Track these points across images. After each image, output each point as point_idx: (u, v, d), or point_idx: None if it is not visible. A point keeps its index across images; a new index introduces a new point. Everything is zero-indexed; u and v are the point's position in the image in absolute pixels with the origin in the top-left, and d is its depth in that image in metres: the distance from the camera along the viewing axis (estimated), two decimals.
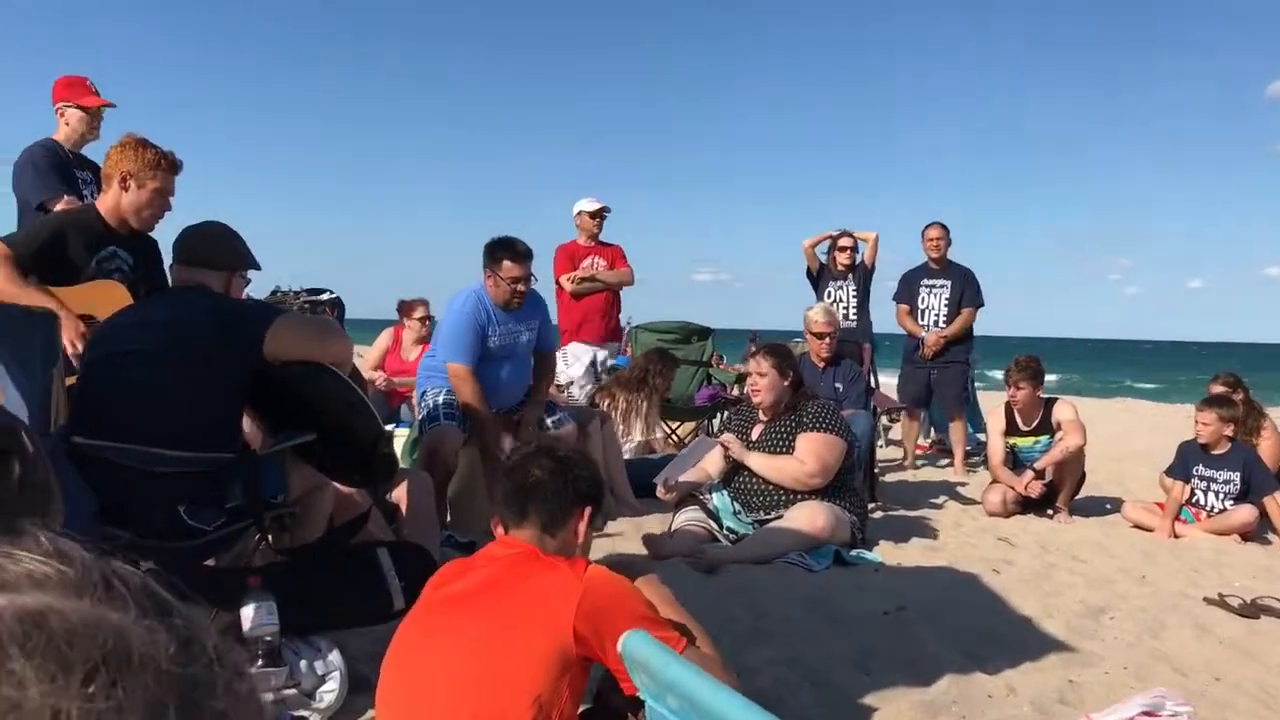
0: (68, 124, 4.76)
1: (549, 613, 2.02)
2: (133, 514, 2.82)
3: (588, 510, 2.33)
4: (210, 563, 3.06)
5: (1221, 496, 5.87)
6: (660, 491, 5.04)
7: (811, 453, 4.94)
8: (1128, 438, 11.23)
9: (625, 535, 5.11)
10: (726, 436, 5.29)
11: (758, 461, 5.02)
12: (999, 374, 11.86)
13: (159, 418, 2.93)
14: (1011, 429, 6.43)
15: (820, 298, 7.88)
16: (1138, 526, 6.00)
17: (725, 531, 4.94)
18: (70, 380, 3.13)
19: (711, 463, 5.24)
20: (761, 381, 5.14)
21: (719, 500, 5.05)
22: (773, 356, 5.19)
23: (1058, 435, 6.25)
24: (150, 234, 3.88)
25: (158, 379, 2.96)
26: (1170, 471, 6.07)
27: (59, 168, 4.61)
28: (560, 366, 7.06)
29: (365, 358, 7.28)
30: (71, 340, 3.31)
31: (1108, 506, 6.65)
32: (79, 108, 4.75)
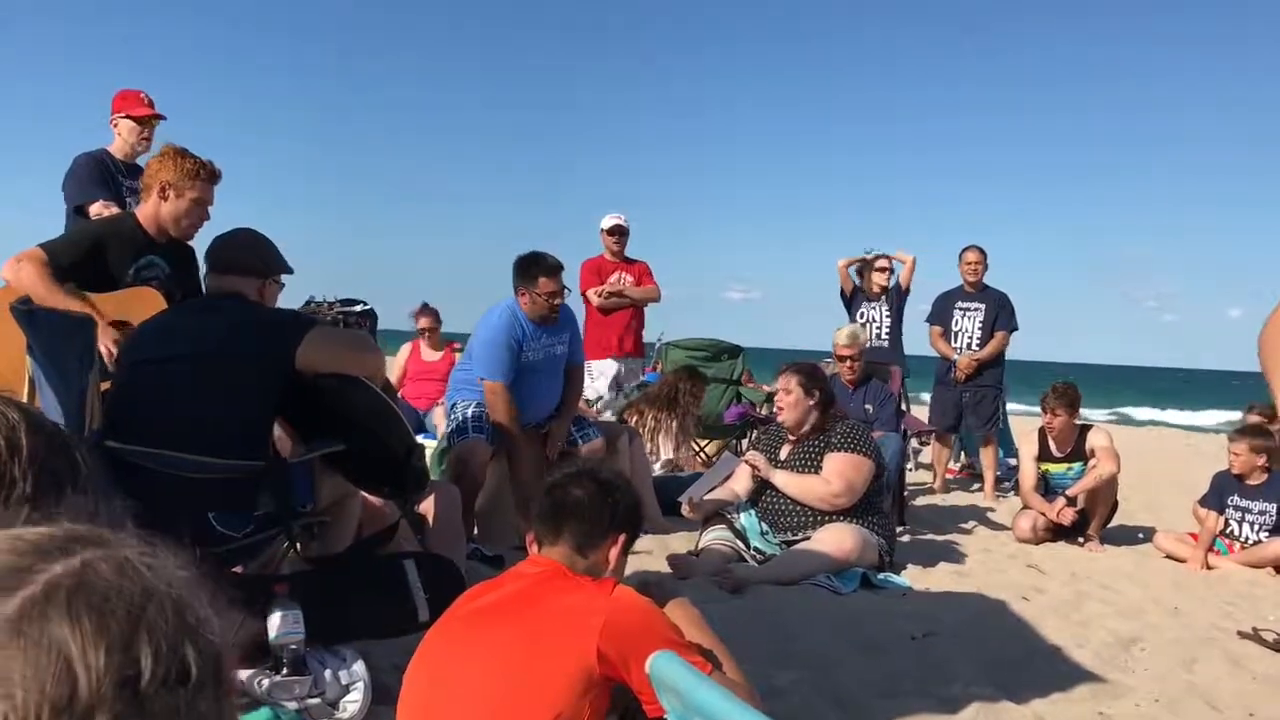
0: (120, 135, 4.88)
1: (574, 631, 2.01)
2: (163, 519, 2.83)
3: (622, 538, 2.33)
4: (238, 569, 3.07)
5: (1257, 528, 5.78)
6: (685, 510, 5.02)
7: (837, 473, 4.91)
8: (1161, 467, 11.10)
9: (653, 554, 5.09)
10: (752, 454, 5.27)
11: (783, 480, 4.99)
12: (1024, 408, 11.73)
13: (190, 424, 2.95)
14: (1045, 455, 6.38)
15: (853, 318, 7.87)
16: (1170, 557, 5.92)
17: (753, 551, 4.92)
18: (105, 385, 3.16)
19: (739, 482, 5.22)
20: (786, 399, 5.11)
21: (746, 520, 5.03)
22: (798, 375, 5.15)
23: (1091, 463, 6.19)
24: (189, 243, 3.92)
25: (189, 385, 2.98)
26: (1204, 501, 5.98)
27: (102, 175, 4.71)
28: (585, 381, 7.08)
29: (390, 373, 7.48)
30: (105, 346, 3.34)
31: (1140, 536, 6.57)
32: (130, 118, 4.85)
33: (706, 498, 5.08)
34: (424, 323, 7.90)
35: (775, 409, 5.23)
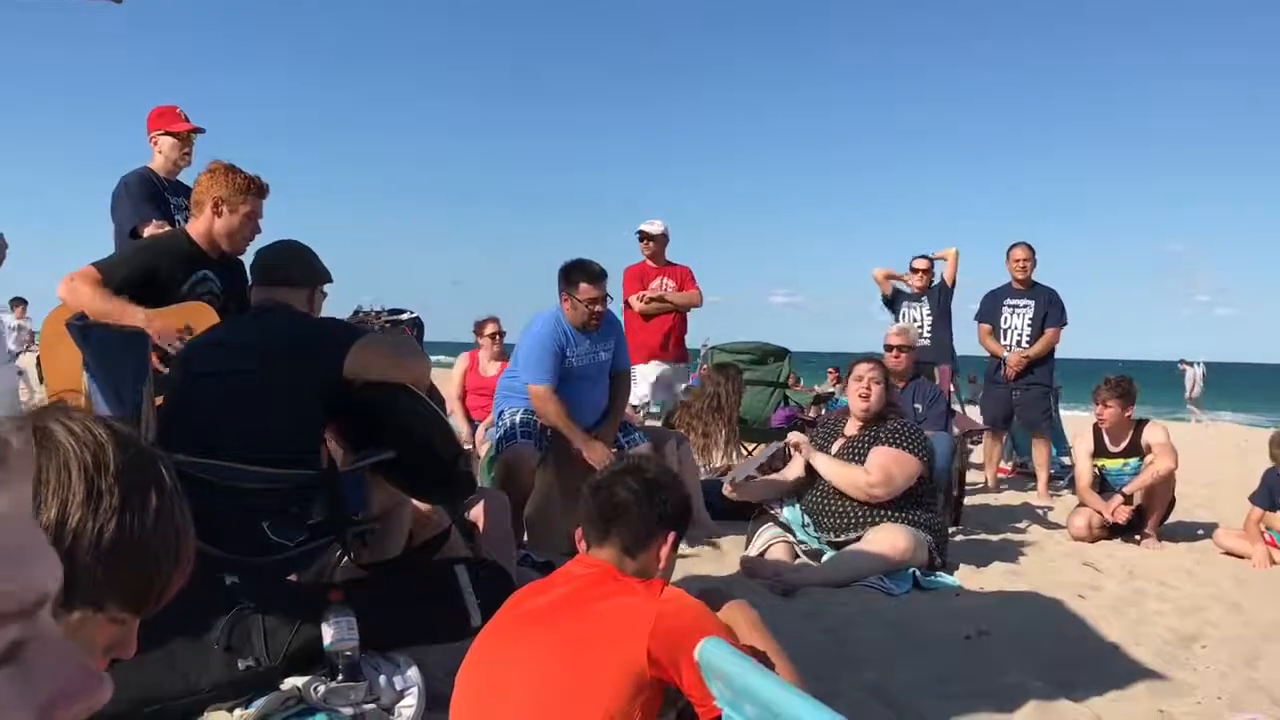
0: (161, 152, 4.93)
1: (624, 634, 2.01)
2: (218, 529, 2.87)
3: (671, 536, 2.31)
4: (292, 578, 3.11)
5: None
6: (726, 489, 5.05)
7: (878, 465, 4.92)
8: (1219, 463, 10.90)
9: (701, 557, 5.09)
10: (795, 435, 5.29)
11: (823, 463, 5.03)
12: (1075, 412, 11.52)
13: (243, 435, 2.98)
14: (1100, 450, 6.28)
15: (897, 319, 7.84)
16: (1229, 553, 5.82)
17: (798, 545, 4.94)
18: (159, 400, 3.21)
19: (791, 469, 5.25)
20: (875, 389, 5.18)
21: (789, 513, 5.05)
22: (880, 368, 5.32)
23: (1148, 458, 6.09)
24: (239, 257, 3.97)
25: (243, 398, 3.02)
26: (1252, 498, 5.89)
27: (152, 194, 4.77)
28: None
29: (447, 386, 7.52)
30: (174, 332, 3.41)
31: (1199, 533, 6.45)
32: (170, 134, 4.91)
33: (750, 480, 5.12)
34: (491, 329, 7.85)
35: (859, 395, 5.20)
